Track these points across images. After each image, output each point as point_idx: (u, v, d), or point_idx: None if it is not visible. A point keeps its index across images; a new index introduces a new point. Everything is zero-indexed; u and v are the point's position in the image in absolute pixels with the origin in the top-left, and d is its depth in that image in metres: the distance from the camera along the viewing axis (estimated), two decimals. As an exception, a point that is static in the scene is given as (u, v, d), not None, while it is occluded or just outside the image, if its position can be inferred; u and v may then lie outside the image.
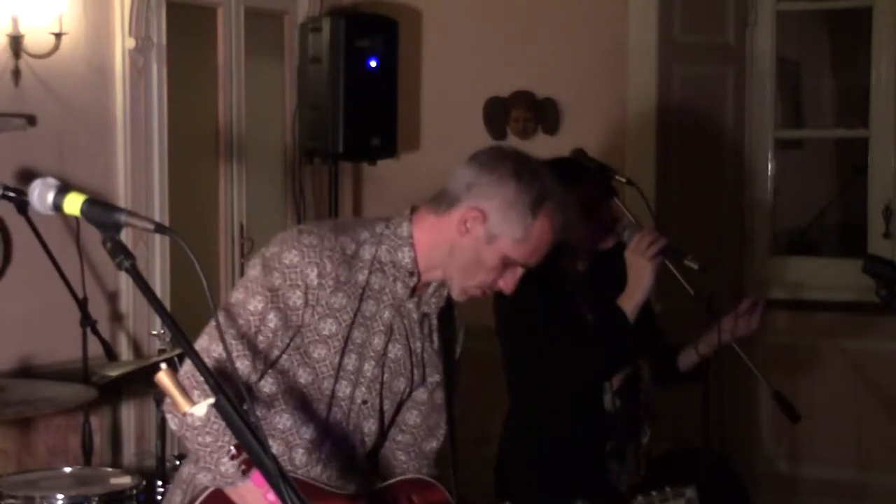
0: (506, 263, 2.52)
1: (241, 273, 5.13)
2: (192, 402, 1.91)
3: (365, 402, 2.58)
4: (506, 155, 2.57)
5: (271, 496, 1.89)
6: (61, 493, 3.60)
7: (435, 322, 2.67)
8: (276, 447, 2.50)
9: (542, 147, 5.43)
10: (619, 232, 3.37)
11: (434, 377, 2.69)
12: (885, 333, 5.26)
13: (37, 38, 4.59)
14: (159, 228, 1.96)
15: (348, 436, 2.58)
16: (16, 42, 4.52)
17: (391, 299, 2.56)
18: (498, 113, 5.71)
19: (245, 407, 1.94)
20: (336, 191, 5.41)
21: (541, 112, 5.64)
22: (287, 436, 2.54)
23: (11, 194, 3.98)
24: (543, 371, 3.35)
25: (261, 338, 2.46)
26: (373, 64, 5.29)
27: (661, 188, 5.28)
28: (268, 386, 2.53)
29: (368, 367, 2.56)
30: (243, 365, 2.45)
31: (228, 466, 2.42)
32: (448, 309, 2.69)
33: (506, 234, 2.50)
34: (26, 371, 4.54)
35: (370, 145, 5.31)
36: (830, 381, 5.46)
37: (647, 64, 5.40)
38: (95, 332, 4.34)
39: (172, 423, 2.49)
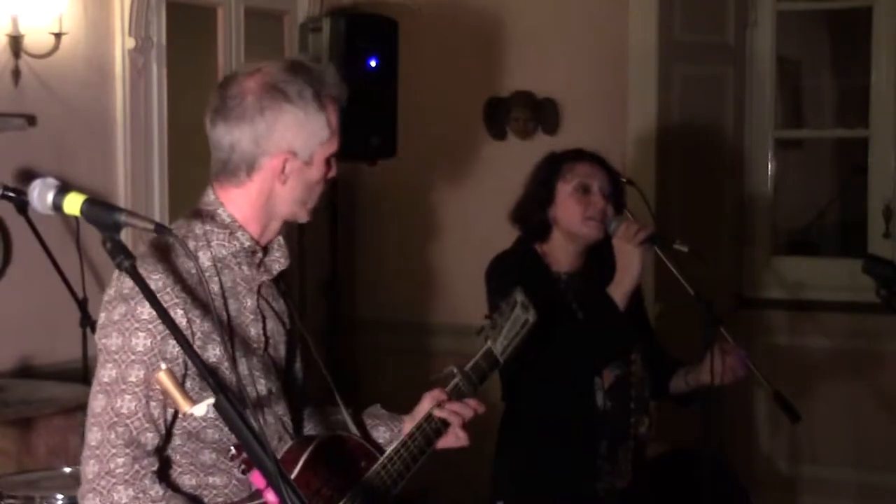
0: (329, 162, 2.46)
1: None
2: (193, 402, 1.91)
3: (270, 391, 2.46)
4: (247, 90, 2.43)
5: (271, 496, 1.88)
6: (61, 493, 3.59)
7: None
8: (217, 480, 2.38)
9: (543, 147, 5.44)
10: (606, 224, 3.39)
11: (294, 319, 2.59)
12: (885, 333, 5.26)
13: (37, 38, 4.59)
14: (159, 228, 1.96)
15: (273, 432, 2.45)
16: (16, 42, 4.52)
17: (246, 286, 2.43)
18: (498, 113, 5.71)
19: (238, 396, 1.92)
20: (335, 191, 5.42)
21: (541, 112, 5.64)
22: (219, 465, 2.39)
23: (11, 194, 3.99)
24: (535, 370, 3.36)
25: (153, 403, 2.28)
26: (373, 64, 5.29)
27: (660, 188, 5.28)
28: (178, 439, 2.36)
29: (257, 360, 2.42)
30: (149, 437, 2.28)
31: None
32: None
33: (317, 145, 2.41)
34: (26, 371, 4.54)
35: (370, 145, 5.30)
36: (830, 381, 5.46)
37: (647, 64, 5.40)
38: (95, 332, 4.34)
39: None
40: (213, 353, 2.33)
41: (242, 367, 2.40)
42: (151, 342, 2.26)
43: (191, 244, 2.39)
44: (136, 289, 2.16)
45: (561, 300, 3.42)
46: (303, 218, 2.50)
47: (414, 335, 5.70)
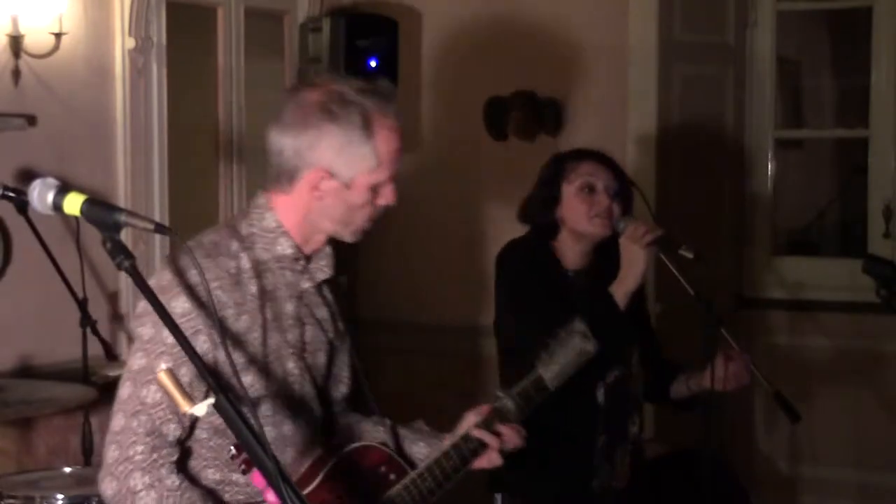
0: (376, 189, 2.45)
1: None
2: (193, 402, 1.92)
3: (304, 396, 2.49)
4: (304, 102, 2.43)
5: (271, 496, 1.89)
6: (61, 493, 3.59)
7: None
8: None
9: (543, 147, 5.43)
10: (615, 223, 3.39)
11: (339, 330, 2.63)
12: (885, 333, 5.25)
13: (37, 38, 4.59)
14: (159, 228, 1.96)
15: (303, 434, 2.49)
16: (16, 42, 4.52)
17: (287, 290, 2.47)
18: (498, 113, 5.71)
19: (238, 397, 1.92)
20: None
21: (541, 112, 5.63)
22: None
23: (11, 194, 4.00)
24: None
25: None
26: (373, 64, 5.29)
27: (660, 188, 5.28)
28: (204, 433, 2.41)
29: (292, 365, 2.46)
30: (171, 428, 2.33)
31: None
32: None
33: (359, 171, 2.41)
34: (26, 371, 4.54)
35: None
36: (830, 381, 5.46)
37: (647, 64, 5.40)
38: (95, 332, 4.34)
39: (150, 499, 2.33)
40: (247, 351, 2.37)
41: (278, 370, 2.43)
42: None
43: (234, 245, 2.45)
44: (174, 282, 2.31)
45: (569, 297, 3.42)
46: (347, 238, 2.53)
47: (414, 335, 5.70)
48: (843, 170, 6.48)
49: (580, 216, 3.42)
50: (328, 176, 2.42)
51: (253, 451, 1.87)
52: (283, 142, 2.45)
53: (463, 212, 5.75)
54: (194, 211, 5.35)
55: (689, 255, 3.35)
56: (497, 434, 2.69)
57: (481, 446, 2.67)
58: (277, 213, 2.49)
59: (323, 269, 2.55)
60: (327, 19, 5.30)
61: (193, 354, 1.97)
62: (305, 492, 2.46)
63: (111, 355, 4.47)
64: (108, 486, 2.34)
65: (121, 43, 4.90)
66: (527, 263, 3.44)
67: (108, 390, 4.16)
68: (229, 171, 5.39)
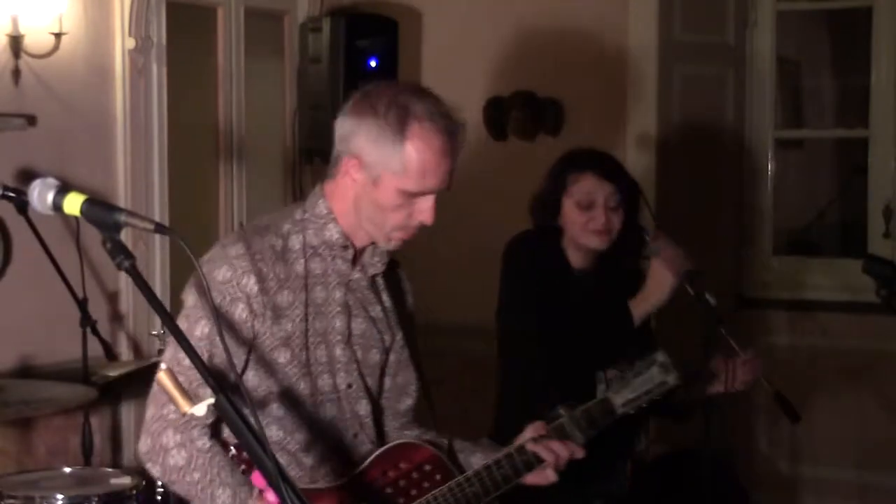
0: (406, 197, 2.48)
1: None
2: (193, 402, 1.92)
3: (350, 385, 2.55)
4: (367, 94, 2.51)
5: (271, 496, 1.89)
6: (61, 493, 3.60)
7: (382, 282, 2.65)
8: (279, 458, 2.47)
9: (543, 147, 5.44)
10: (647, 248, 3.39)
11: (398, 336, 2.67)
12: (885, 333, 5.25)
13: (37, 38, 4.59)
14: (159, 228, 1.96)
15: (347, 426, 2.55)
16: (16, 42, 4.52)
17: (337, 278, 2.54)
18: (498, 113, 5.71)
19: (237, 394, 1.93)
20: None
21: (541, 112, 5.63)
22: (284, 445, 2.49)
23: (11, 194, 4.00)
24: (535, 360, 3.36)
25: (216, 360, 2.39)
26: (373, 64, 5.29)
27: (660, 188, 5.28)
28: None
29: (340, 352, 2.53)
30: (208, 392, 2.36)
31: (225, 498, 2.36)
32: (392, 267, 2.68)
33: (386, 170, 2.45)
34: (26, 371, 4.54)
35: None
36: (830, 381, 5.46)
37: (647, 64, 5.40)
38: (95, 332, 4.34)
39: (153, 471, 2.43)
40: (285, 328, 2.45)
41: (321, 354, 2.50)
42: (220, 301, 2.40)
43: (286, 226, 2.52)
44: (219, 254, 2.43)
45: (572, 296, 3.42)
46: (380, 242, 2.56)
47: (414, 335, 5.69)
48: (843, 170, 6.47)
49: (577, 229, 3.42)
50: (359, 166, 2.47)
51: (253, 451, 1.87)
52: (338, 127, 2.53)
53: (462, 211, 5.74)
54: (194, 211, 5.35)
55: (713, 302, 3.35)
56: (554, 451, 2.69)
57: (536, 461, 2.67)
58: (329, 200, 2.55)
59: (375, 264, 2.60)
60: (327, 19, 5.30)
61: (193, 354, 1.97)
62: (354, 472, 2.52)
63: (111, 355, 4.47)
64: (142, 443, 2.42)
65: (121, 43, 4.90)
66: (532, 259, 3.44)
67: (108, 390, 4.17)
68: (229, 171, 5.39)
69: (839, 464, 5.49)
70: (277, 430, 2.47)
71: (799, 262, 5.82)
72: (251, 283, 2.41)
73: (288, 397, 2.47)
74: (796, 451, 5.55)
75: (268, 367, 2.45)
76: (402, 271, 2.76)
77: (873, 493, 5.44)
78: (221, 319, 2.38)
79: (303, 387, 2.48)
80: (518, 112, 5.65)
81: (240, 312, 2.41)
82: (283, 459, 2.45)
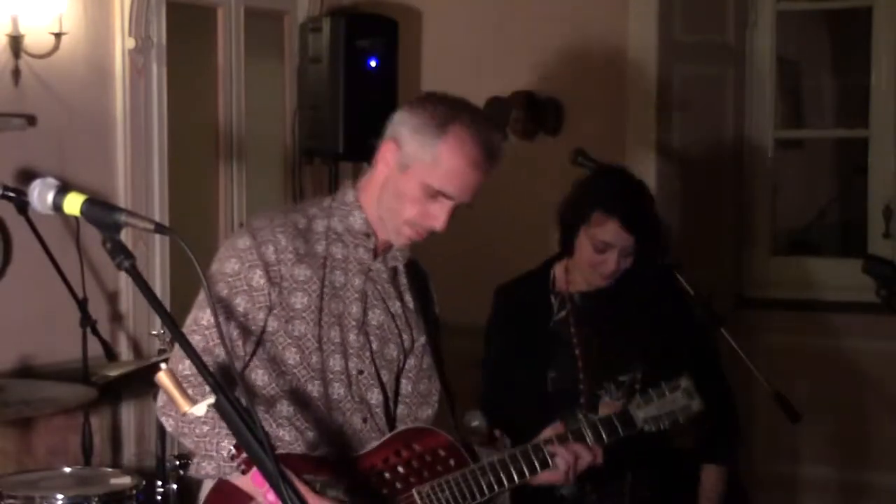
0: (427, 193, 2.54)
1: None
2: (192, 402, 1.92)
3: (361, 371, 2.60)
4: (429, 94, 2.66)
5: (271, 496, 1.89)
6: (61, 493, 3.60)
7: (405, 280, 2.69)
8: (286, 434, 2.53)
9: (543, 147, 5.44)
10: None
11: (420, 340, 2.70)
12: (885, 333, 5.25)
13: (37, 38, 4.59)
14: (159, 228, 1.97)
15: (355, 410, 2.59)
16: (16, 42, 4.52)
17: (357, 266, 2.61)
18: (498, 113, 5.70)
19: (239, 393, 1.94)
20: (336, 191, 5.41)
21: (541, 112, 5.63)
22: (294, 421, 2.54)
23: (11, 194, 4.01)
24: (515, 385, 3.37)
25: (232, 323, 2.49)
26: (373, 64, 5.29)
27: (661, 188, 5.27)
28: (259, 378, 2.56)
29: (353, 337, 2.59)
30: (223, 352, 2.48)
31: (228, 445, 2.44)
32: (422, 275, 2.73)
33: (417, 159, 2.53)
34: (26, 371, 4.54)
35: (370, 145, 5.29)
36: (830, 381, 5.46)
37: (647, 64, 5.40)
38: (95, 332, 4.35)
39: (167, 424, 2.53)
40: (301, 300, 2.54)
41: (334, 335, 2.57)
42: (239, 267, 2.51)
43: (313, 210, 2.64)
44: (242, 230, 2.59)
45: (554, 340, 3.39)
46: (391, 233, 2.61)
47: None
48: (843, 170, 6.47)
49: (585, 265, 3.36)
50: (395, 149, 2.55)
51: (253, 450, 1.87)
52: (391, 118, 2.63)
53: (462, 211, 5.74)
54: (194, 211, 5.35)
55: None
56: (576, 453, 2.71)
57: (553, 460, 2.69)
58: (358, 191, 2.64)
59: (398, 257, 2.67)
60: (327, 19, 5.30)
61: (191, 350, 1.98)
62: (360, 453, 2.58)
63: (111, 355, 4.47)
64: (160, 398, 2.55)
65: (121, 43, 4.90)
66: (511, 311, 3.45)
67: (108, 390, 4.16)
68: (229, 172, 5.39)
69: (839, 463, 5.49)
70: (288, 405, 2.54)
71: (799, 262, 5.82)
72: (269, 252, 2.51)
73: (301, 372, 2.54)
74: (796, 450, 5.55)
75: (284, 338, 2.54)
76: (430, 280, 2.80)
77: (873, 493, 5.44)
78: (240, 282, 2.49)
79: (314, 361, 2.55)
80: (518, 112, 5.65)
81: (257, 279, 2.50)
82: (290, 435, 2.52)
